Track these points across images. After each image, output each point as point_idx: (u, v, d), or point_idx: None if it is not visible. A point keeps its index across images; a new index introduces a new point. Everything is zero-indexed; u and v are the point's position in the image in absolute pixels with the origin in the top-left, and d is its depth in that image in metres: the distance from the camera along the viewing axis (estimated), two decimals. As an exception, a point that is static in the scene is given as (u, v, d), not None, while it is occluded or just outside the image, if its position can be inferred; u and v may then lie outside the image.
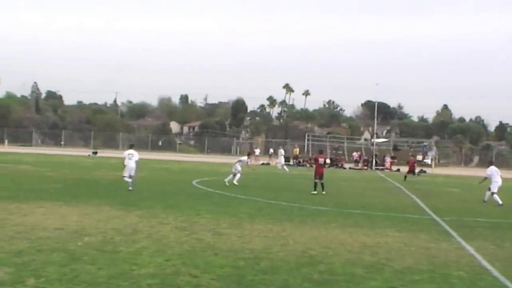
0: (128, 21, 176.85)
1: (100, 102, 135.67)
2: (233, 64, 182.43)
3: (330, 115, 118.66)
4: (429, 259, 8.57)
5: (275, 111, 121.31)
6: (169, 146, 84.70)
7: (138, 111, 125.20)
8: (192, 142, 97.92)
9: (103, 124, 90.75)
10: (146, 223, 10.53)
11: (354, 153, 56.57)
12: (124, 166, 18.11)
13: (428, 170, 48.14)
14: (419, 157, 60.73)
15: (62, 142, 78.77)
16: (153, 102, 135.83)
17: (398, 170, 48.85)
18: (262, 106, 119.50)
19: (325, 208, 14.89)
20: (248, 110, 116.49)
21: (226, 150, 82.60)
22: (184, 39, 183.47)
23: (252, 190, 19.91)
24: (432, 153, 62.10)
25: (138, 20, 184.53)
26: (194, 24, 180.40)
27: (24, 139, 77.85)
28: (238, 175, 22.07)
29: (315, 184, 19.70)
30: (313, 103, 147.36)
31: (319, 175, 19.79)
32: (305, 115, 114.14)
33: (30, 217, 10.71)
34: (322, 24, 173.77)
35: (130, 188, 17.20)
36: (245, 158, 23.61)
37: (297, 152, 52.79)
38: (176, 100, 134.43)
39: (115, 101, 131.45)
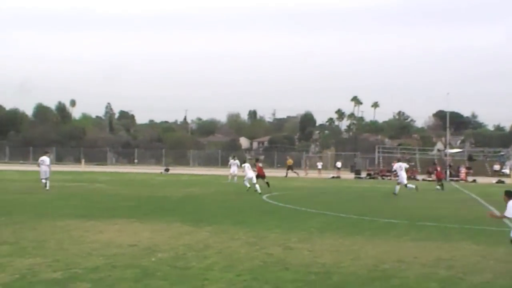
0: (193, 41, 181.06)
1: (171, 120, 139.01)
2: (300, 79, 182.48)
3: (400, 127, 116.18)
4: (509, 273, 8.20)
5: (344, 124, 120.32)
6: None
7: (208, 127, 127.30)
8: (262, 157, 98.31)
9: (174, 141, 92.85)
10: (216, 239, 10.64)
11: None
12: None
13: (506, 180, 46.26)
14: (496, 167, 58.52)
15: (136, 160, 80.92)
16: (222, 118, 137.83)
17: (474, 180, 47.23)
18: (331, 119, 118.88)
19: (396, 221, 14.56)
20: (317, 124, 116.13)
21: (295, 164, 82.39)
22: (251, 56, 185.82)
23: (321, 204, 19.76)
24: (510, 163, 59.67)
25: (203, 40, 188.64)
26: (261, 41, 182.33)
27: (99, 158, 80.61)
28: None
29: None
30: (383, 115, 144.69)
31: None
32: (375, 127, 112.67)
33: (105, 234, 11.04)
34: (389, 34, 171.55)
35: (47, 188, 22.41)
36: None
37: (291, 163, 52.88)
38: (244, 116, 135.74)
39: (185, 118, 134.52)
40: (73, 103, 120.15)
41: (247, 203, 19.50)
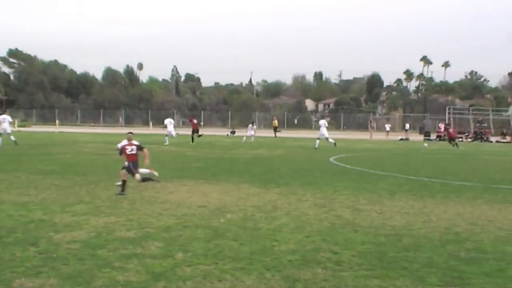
0: (261, 2, 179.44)
1: (236, 82, 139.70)
2: (367, 39, 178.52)
3: (472, 87, 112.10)
4: None
5: (412, 85, 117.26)
6: (305, 124, 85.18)
7: (273, 90, 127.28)
8: (328, 119, 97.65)
9: (240, 104, 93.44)
10: (284, 200, 10.68)
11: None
12: None
13: None
14: None
15: (202, 123, 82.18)
16: (288, 80, 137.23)
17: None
18: (399, 80, 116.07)
19: (470, 184, 14.15)
20: (384, 85, 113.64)
21: (362, 126, 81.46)
22: (317, 16, 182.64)
23: (390, 166, 19.45)
24: None
25: (270, 1, 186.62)
26: (325, 1, 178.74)
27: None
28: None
29: None
30: (454, 75, 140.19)
31: None
32: (445, 88, 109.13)
33: (175, 195, 11.29)
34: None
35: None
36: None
37: (276, 124, 52.66)
38: (310, 77, 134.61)
39: (250, 81, 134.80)
40: (140, 66, 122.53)
41: (315, 165, 19.44)
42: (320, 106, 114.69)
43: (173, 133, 33.61)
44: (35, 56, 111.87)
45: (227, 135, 51.80)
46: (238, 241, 7.15)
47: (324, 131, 30.52)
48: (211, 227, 8.03)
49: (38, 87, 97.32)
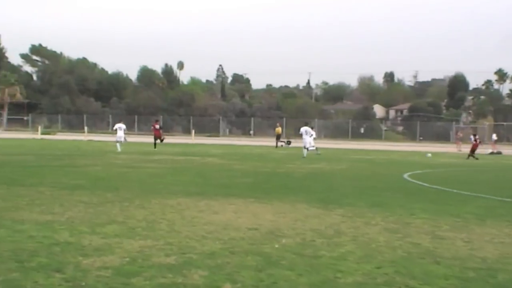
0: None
1: (292, 84, 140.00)
2: (448, 32, 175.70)
3: None
4: None
5: (505, 88, 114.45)
6: (373, 134, 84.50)
7: (335, 93, 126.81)
8: (400, 128, 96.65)
9: (295, 109, 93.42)
10: (350, 224, 10.59)
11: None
12: None
13: None
14: None
15: (251, 132, 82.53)
16: (352, 82, 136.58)
17: None
18: (489, 82, 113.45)
19: None
20: (470, 88, 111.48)
21: (442, 137, 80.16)
22: (388, 5, 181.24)
23: (478, 185, 19.05)
24: None
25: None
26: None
27: (210, 128, 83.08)
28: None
29: None
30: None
31: None
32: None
33: (221, 215, 11.35)
34: None
35: None
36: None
37: (279, 132, 52.87)
38: (379, 79, 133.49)
39: (308, 83, 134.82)
40: (181, 65, 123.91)
41: (385, 182, 19.23)
42: (391, 113, 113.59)
43: (123, 138, 36.47)
44: (60, 53, 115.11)
45: (281, 145, 51.84)
46: (295, 271, 7.11)
47: (308, 139, 34.01)
48: (263, 254, 8.01)
49: (63, 89, 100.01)
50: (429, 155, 39.84)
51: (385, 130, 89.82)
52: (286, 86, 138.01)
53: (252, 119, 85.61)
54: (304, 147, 33.89)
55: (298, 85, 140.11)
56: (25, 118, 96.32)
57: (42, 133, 66.60)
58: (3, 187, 14.77)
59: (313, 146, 34.71)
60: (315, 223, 10.62)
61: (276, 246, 8.57)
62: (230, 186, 16.64)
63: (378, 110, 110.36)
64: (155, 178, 18.72)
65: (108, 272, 6.86)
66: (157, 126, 40.79)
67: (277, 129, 53.76)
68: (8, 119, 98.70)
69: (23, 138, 60.32)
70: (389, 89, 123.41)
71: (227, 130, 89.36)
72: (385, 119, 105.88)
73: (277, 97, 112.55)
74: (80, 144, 46.11)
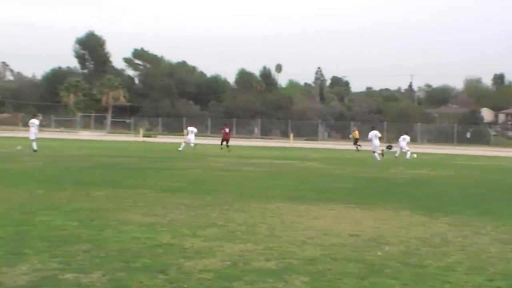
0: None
1: (393, 87, 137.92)
2: None
3: None
4: None
5: None
6: (480, 139, 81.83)
7: (439, 96, 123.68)
8: (511, 133, 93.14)
9: (397, 113, 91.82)
10: (457, 233, 10.29)
11: None
12: None
13: None
14: None
15: (350, 136, 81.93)
16: (458, 85, 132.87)
17: None
18: None
19: None
20: None
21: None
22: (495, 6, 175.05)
23: None
24: None
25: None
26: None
27: (308, 132, 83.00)
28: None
29: None
30: None
31: None
32: None
33: (321, 220, 11.31)
34: None
35: None
36: None
37: (357, 136, 51.86)
38: (487, 81, 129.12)
39: (410, 85, 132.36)
40: (279, 68, 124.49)
41: (496, 190, 18.59)
42: (501, 117, 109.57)
43: (192, 143, 39.97)
44: (161, 57, 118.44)
45: (382, 150, 51.17)
46: (399, 280, 6.98)
47: (376, 142, 34.80)
48: (366, 261, 7.92)
49: (164, 93, 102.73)
50: None
51: (494, 135, 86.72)
52: (387, 89, 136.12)
53: (352, 122, 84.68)
54: (373, 152, 34.59)
55: (399, 88, 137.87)
56: (128, 120, 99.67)
57: (144, 136, 68.64)
58: (108, 189, 15.34)
59: (407, 151, 36.51)
60: (419, 231, 10.40)
61: (379, 253, 8.45)
62: (330, 191, 16.56)
63: (486, 114, 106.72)
64: (254, 181, 18.89)
65: (209, 275, 6.97)
66: (227, 130, 42.68)
67: (354, 132, 53.88)
68: (112, 122, 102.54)
69: (125, 140, 62.50)
70: (499, 92, 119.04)
71: (326, 134, 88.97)
72: (494, 123, 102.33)
73: (378, 100, 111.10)
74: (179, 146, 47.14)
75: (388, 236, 9.81)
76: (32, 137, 32.43)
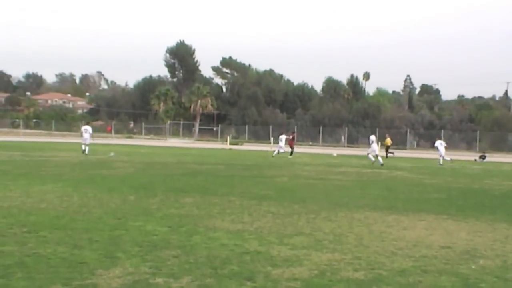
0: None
1: (487, 95, 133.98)
2: None
3: None
4: None
5: None
6: None
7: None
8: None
9: (491, 122, 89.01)
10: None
11: None
12: None
13: None
14: None
15: (382, 143, 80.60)
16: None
17: None
18: None
19: None
20: None
21: None
22: None
23: None
24: None
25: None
26: None
27: (397, 141, 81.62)
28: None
29: None
30: None
31: None
32: None
33: (411, 231, 11.07)
34: None
35: None
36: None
37: (389, 143, 50.91)
38: None
39: (505, 93, 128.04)
40: (366, 76, 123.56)
41: None
42: None
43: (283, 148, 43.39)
44: (249, 65, 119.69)
45: (475, 160, 49.83)
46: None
47: (374, 146, 36.59)
48: (459, 275, 7.68)
49: (251, 101, 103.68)
50: None
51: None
52: (480, 97, 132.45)
53: (442, 131, 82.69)
54: (368, 154, 36.73)
55: (494, 96, 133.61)
56: (215, 128, 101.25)
57: (230, 143, 69.39)
58: (196, 196, 15.58)
59: (442, 157, 38.48)
60: (519, 244, 10.02)
61: (473, 267, 8.19)
62: (420, 201, 16.22)
63: None
64: (341, 190, 18.72)
65: (297, 283, 6.93)
66: (291, 137, 46.71)
67: (386, 140, 52.98)
68: (199, 129, 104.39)
69: (213, 148, 63.41)
70: None
71: (415, 143, 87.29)
72: None
73: (470, 109, 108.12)
74: (267, 154, 47.37)
75: (483, 249, 9.50)
76: (87, 141, 36.42)
